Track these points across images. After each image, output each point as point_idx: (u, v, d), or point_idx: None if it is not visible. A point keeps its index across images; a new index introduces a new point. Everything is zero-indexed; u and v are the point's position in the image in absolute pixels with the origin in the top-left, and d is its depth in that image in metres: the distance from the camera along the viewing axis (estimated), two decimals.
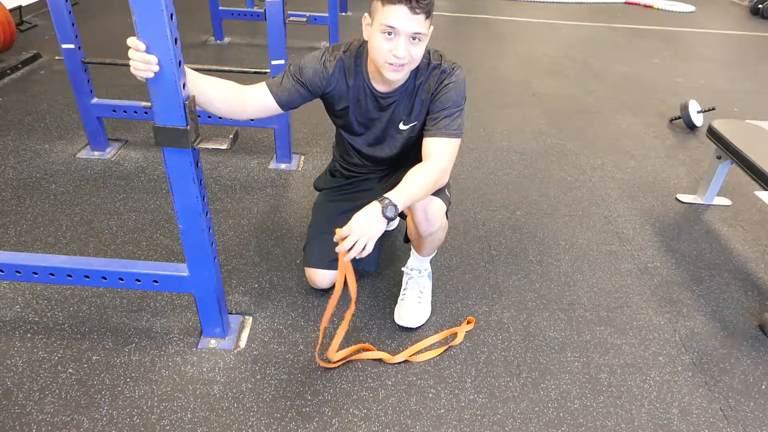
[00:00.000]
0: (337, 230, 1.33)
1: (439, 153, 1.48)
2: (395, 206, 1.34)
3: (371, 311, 1.79)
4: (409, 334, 1.72)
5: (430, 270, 1.85)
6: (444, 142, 1.48)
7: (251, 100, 1.48)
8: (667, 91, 3.84)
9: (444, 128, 1.48)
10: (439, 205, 1.57)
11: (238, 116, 1.49)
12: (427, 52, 1.51)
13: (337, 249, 1.34)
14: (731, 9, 6.59)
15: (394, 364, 1.61)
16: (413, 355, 1.63)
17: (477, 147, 2.90)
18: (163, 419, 1.41)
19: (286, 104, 1.51)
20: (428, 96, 1.52)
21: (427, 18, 1.34)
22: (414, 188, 1.40)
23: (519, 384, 1.58)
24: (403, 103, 1.55)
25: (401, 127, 1.61)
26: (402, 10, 1.30)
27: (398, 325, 1.73)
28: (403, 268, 1.84)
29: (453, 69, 1.50)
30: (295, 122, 2.95)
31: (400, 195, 1.37)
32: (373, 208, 1.33)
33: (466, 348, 1.69)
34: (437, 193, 1.57)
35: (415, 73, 1.51)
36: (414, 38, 1.35)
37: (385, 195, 1.36)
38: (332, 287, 1.82)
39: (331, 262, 1.76)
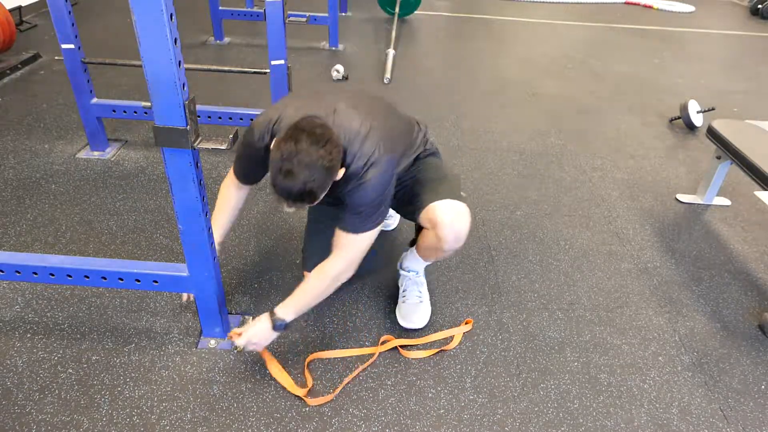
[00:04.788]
0: (233, 333, 1.49)
1: (343, 249, 1.46)
2: (284, 321, 1.47)
3: (370, 311, 1.79)
4: (410, 334, 1.72)
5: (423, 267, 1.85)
6: (350, 238, 1.44)
7: (240, 195, 1.66)
8: (667, 91, 3.84)
9: (351, 225, 1.43)
10: (467, 223, 1.54)
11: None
12: (347, 143, 1.36)
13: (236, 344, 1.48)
14: (731, 9, 6.59)
15: (390, 360, 1.61)
16: (405, 347, 1.64)
17: (477, 147, 2.90)
18: (163, 419, 1.41)
19: (253, 181, 1.62)
20: (343, 191, 1.44)
21: (312, 202, 1.29)
22: (306, 300, 1.50)
23: (519, 384, 1.58)
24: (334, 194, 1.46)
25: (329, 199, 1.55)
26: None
27: (403, 327, 1.73)
28: (399, 269, 1.84)
29: (361, 173, 1.37)
30: None
31: (290, 310, 1.48)
32: (265, 323, 1.46)
33: (466, 348, 1.69)
34: (462, 206, 1.53)
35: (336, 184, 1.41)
36: None
37: (276, 309, 1.47)
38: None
39: None
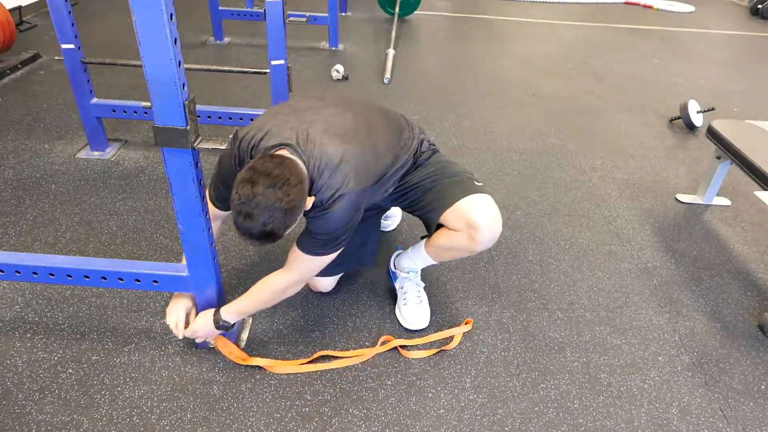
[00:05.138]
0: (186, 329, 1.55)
1: (294, 266, 1.48)
2: (227, 323, 1.51)
3: (370, 311, 1.79)
4: (410, 334, 1.72)
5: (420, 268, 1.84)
6: (303, 257, 1.45)
7: (214, 227, 1.60)
8: (667, 91, 3.84)
9: (306, 246, 1.43)
10: (501, 224, 1.52)
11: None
12: (316, 173, 1.35)
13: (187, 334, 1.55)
14: (731, 9, 6.59)
15: (390, 360, 1.61)
16: (404, 347, 1.65)
17: (477, 147, 2.90)
18: (162, 419, 1.41)
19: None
20: (306, 215, 1.44)
21: (275, 241, 1.26)
22: (250, 307, 1.54)
23: (519, 384, 1.58)
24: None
25: None
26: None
27: (404, 328, 1.73)
28: (395, 271, 1.83)
29: (325, 204, 1.36)
30: None
31: (233, 312, 1.51)
32: (207, 320, 1.51)
33: (466, 348, 1.69)
34: (492, 202, 1.51)
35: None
36: None
37: (221, 310, 1.51)
38: (332, 290, 1.83)
39: (332, 269, 1.75)
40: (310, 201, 1.32)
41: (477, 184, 1.58)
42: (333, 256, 1.47)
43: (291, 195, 1.22)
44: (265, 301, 1.54)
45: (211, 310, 1.52)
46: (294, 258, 1.48)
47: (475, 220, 1.48)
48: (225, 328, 1.52)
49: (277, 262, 1.96)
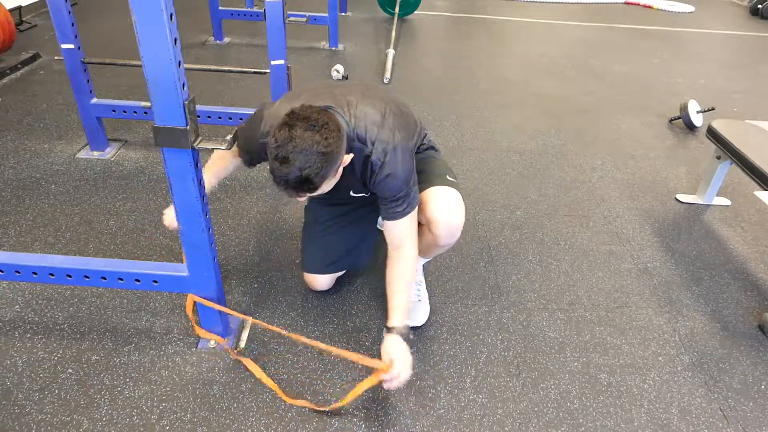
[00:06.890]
0: (381, 375, 1.38)
1: (401, 239, 1.48)
2: (407, 329, 1.43)
3: (370, 311, 1.79)
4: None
5: (422, 264, 1.85)
6: (399, 225, 1.46)
7: (237, 163, 1.65)
8: (667, 91, 3.84)
9: (392, 213, 1.44)
10: (461, 218, 1.55)
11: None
12: (364, 131, 1.38)
13: (388, 385, 1.37)
14: (731, 9, 6.59)
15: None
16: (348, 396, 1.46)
17: (477, 147, 2.90)
18: (162, 419, 1.41)
19: (254, 164, 1.63)
20: (369, 184, 1.45)
21: (313, 190, 1.26)
22: (405, 298, 1.47)
23: (519, 384, 1.58)
24: (349, 179, 1.46)
25: (352, 194, 1.58)
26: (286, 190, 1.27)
27: None
28: None
29: (383, 160, 1.37)
30: None
31: (402, 315, 1.44)
32: (400, 342, 1.40)
33: (466, 348, 1.69)
34: (454, 195, 1.54)
35: (353, 164, 1.41)
36: None
37: (391, 325, 1.42)
38: (332, 290, 1.83)
39: (329, 266, 1.76)
40: (348, 158, 1.32)
41: (448, 178, 1.59)
42: (417, 208, 1.48)
43: (330, 139, 1.21)
44: (411, 281, 1.51)
45: (394, 340, 1.40)
46: (396, 233, 1.47)
47: (432, 212, 1.50)
48: (407, 336, 1.44)
49: (278, 262, 1.96)
